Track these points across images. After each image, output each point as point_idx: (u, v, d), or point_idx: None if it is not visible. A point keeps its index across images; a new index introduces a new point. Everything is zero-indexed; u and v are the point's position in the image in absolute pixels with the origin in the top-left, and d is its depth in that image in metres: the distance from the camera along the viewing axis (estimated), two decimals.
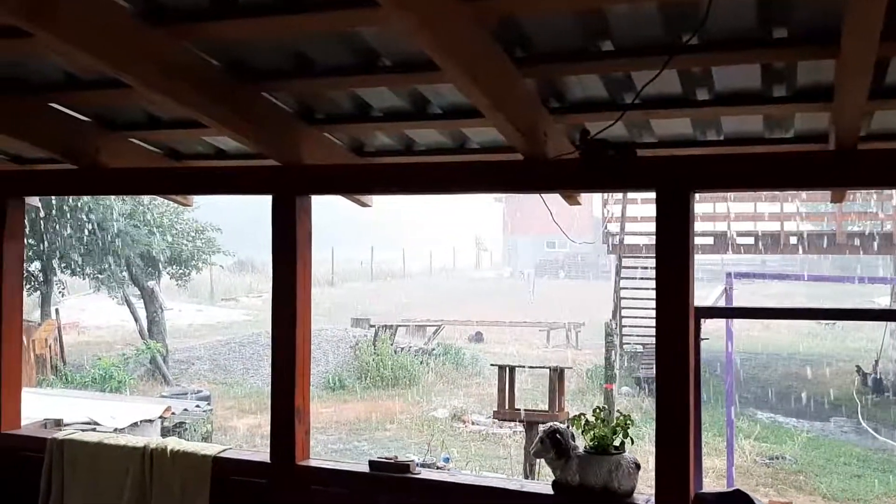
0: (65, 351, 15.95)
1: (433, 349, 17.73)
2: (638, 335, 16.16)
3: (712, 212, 15.50)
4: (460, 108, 3.33)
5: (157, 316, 17.19)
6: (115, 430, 7.90)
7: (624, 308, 16.31)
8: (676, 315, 3.06)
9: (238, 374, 17.04)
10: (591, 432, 3.23)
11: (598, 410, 3.28)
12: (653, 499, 3.08)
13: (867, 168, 2.94)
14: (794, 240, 15.29)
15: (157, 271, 17.11)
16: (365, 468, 3.55)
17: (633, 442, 3.18)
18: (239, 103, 3.21)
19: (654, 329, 3.11)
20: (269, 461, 3.68)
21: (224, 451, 3.81)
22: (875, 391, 15.58)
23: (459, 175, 3.53)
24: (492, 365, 7.94)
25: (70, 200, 14.39)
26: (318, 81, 3.19)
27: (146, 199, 17.00)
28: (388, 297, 31.09)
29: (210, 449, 3.82)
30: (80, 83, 3.40)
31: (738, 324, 26.41)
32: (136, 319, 17.37)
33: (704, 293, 30.20)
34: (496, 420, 8.37)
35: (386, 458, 3.56)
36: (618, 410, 3.35)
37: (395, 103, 3.35)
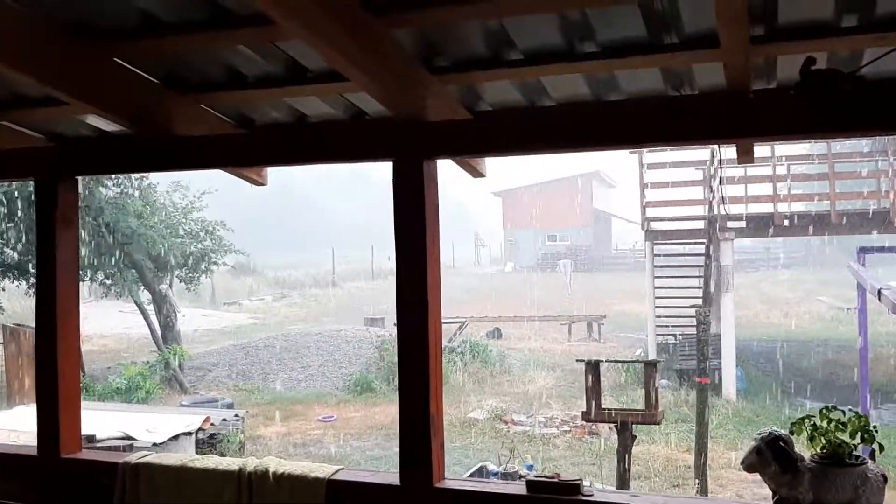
0: (83, 360, 15.21)
1: (458, 347, 17.07)
2: (673, 325, 15.53)
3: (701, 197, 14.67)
4: (628, 42, 2.68)
5: (172, 321, 16.47)
6: (154, 444, 7.24)
7: (657, 298, 15.67)
8: None
9: (258, 380, 16.34)
10: (823, 438, 2.59)
11: (826, 410, 2.64)
12: None
13: None
14: (786, 221, 14.56)
15: (169, 274, 16.39)
16: (521, 489, 2.91)
17: (882, 449, 2.54)
18: (371, 42, 2.55)
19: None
20: (398, 483, 3.02)
21: (338, 471, 3.16)
22: None
23: (632, 123, 2.88)
24: (577, 361, 7.34)
25: (83, 200, 13.65)
26: (454, 10, 2.51)
27: (155, 197, 16.34)
28: (392, 295, 30.41)
29: (321, 470, 3.16)
30: (158, 26, 2.74)
31: (758, 312, 25.93)
32: (150, 325, 16.64)
33: (748, 280, 29.63)
34: (585, 422, 7.77)
35: (547, 478, 2.91)
36: (851, 410, 2.69)
37: (539, 41, 2.70)
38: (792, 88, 2.58)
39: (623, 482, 6.37)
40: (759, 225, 14.77)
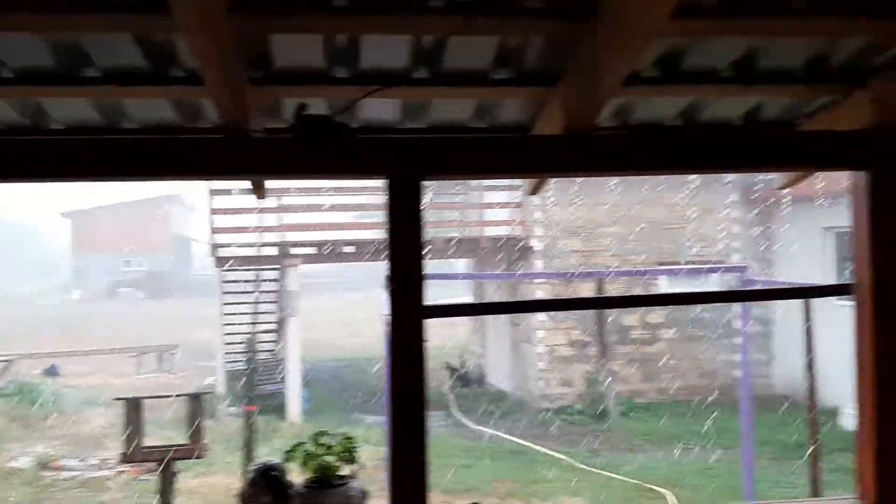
0: None
1: (2, 389, 15.05)
2: (243, 352, 15.53)
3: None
4: (131, 71, 2.60)
5: None
6: None
7: (226, 325, 15.58)
8: (411, 314, 2.70)
9: None
10: (314, 463, 2.73)
11: (318, 435, 2.79)
12: None
13: None
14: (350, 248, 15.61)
15: None
16: None
17: (362, 467, 2.76)
18: None
19: (390, 330, 2.72)
20: None
21: None
22: (464, 385, 17.11)
23: (139, 154, 2.74)
24: (115, 399, 6.81)
25: None
26: None
27: None
28: None
29: None
30: None
31: (328, 333, 27.25)
32: None
33: (320, 303, 30.46)
34: (126, 464, 7.22)
35: None
36: (341, 433, 2.90)
37: (33, 61, 2.52)
38: (289, 130, 2.72)
39: None
40: (326, 251, 15.51)
